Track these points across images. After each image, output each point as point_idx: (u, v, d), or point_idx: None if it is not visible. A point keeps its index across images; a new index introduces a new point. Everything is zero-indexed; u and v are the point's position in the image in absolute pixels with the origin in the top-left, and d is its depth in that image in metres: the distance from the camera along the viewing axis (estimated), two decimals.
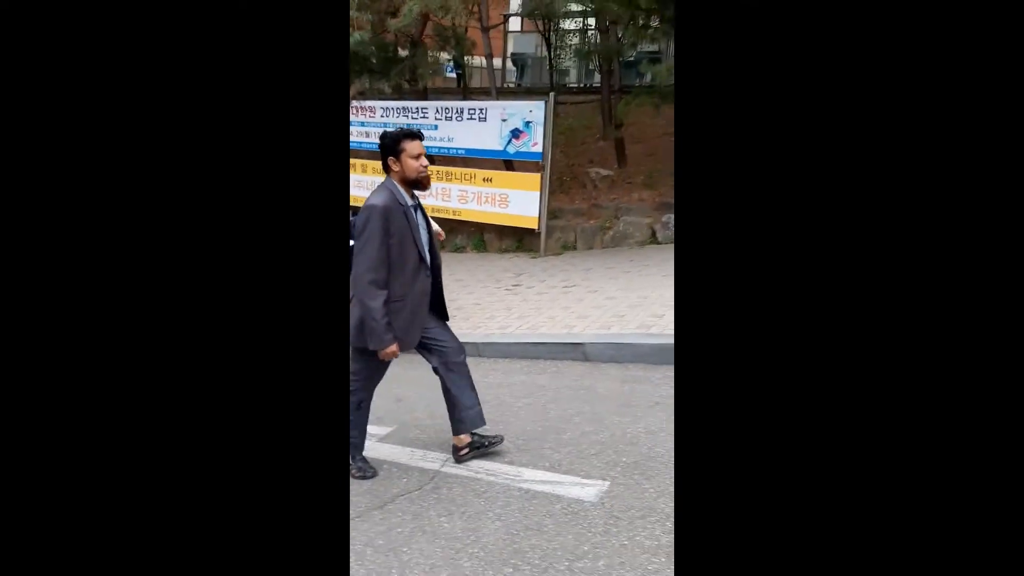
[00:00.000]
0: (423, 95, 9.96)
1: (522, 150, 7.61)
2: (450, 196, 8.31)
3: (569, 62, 15.27)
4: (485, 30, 9.10)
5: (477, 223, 8.38)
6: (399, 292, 2.68)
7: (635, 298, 5.05)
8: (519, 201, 7.72)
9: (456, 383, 2.87)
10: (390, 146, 2.71)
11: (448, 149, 8.39)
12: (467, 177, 8.20)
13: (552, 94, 7.50)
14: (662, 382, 3.56)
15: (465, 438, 2.92)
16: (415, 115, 8.71)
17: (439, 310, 2.90)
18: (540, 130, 7.35)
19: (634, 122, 9.99)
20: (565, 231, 8.03)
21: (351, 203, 5.77)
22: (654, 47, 11.90)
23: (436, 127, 8.37)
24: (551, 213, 8.26)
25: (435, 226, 3.08)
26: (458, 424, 2.90)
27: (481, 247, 8.67)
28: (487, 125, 7.89)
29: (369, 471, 2.89)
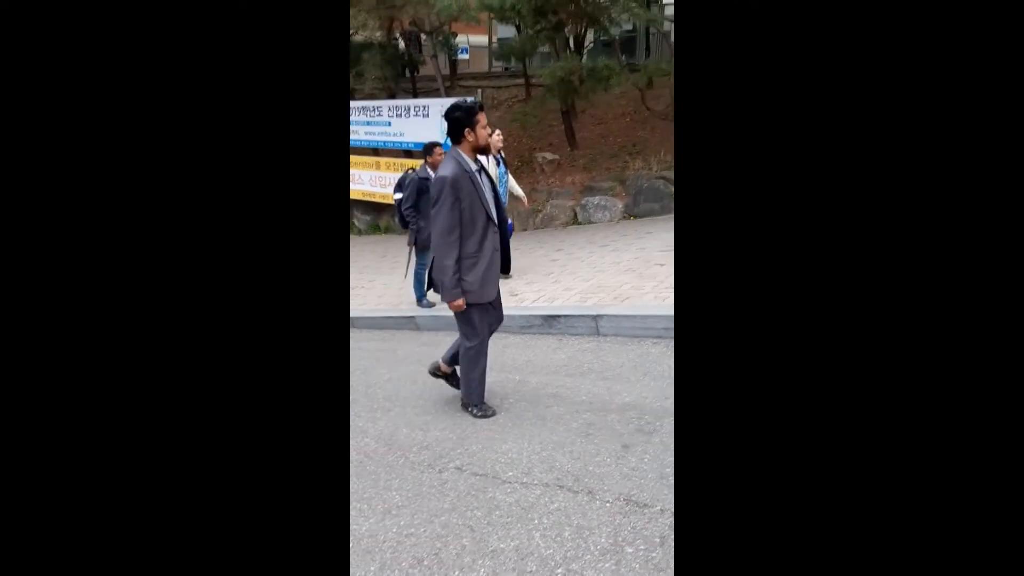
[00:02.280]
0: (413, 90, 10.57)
1: None
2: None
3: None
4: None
5: None
6: (472, 249, 2.98)
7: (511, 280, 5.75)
8: None
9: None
10: (464, 118, 2.97)
11: (400, 143, 9.17)
12: (416, 167, 8.98)
13: (480, 90, 8.14)
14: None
15: (446, 368, 3.45)
16: (372, 114, 9.50)
17: (504, 263, 3.23)
18: None
19: (597, 104, 10.50)
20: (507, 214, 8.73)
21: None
22: (629, 26, 12.25)
23: (390, 123, 9.16)
24: None
25: (519, 191, 3.69)
26: (450, 356, 3.41)
27: None
28: (430, 120, 8.62)
29: (490, 410, 3.22)
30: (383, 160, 9.69)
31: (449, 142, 3.06)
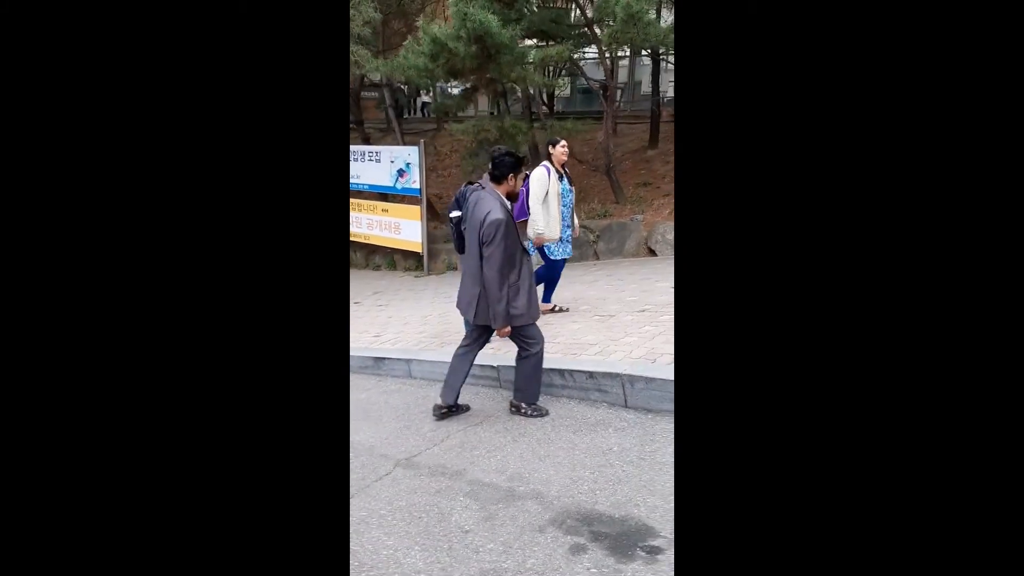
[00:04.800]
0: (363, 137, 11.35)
1: (407, 186, 9.08)
2: (360, 224, 9.83)
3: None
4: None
5: (384, 246, 9.88)
6: (515, 278, 3.44)
7: (418, 317, 6.43)
8: (408, 228, 9.20)
9: (466, 355, 3.67)
10: (512, 165, 3.46)
11: (357, 185, 9.91)
12: (371, 208, 9.70)
13: (422, 141, 8.91)
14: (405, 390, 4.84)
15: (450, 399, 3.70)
16: None
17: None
18: (417, 170, 8.81)
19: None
20: (450, 253, 9.45)
21: None
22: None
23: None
24: (445, 238, 9.73)
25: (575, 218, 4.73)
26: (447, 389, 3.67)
27: (392, 266, 10.17)
28: (381, 165, 9.40)
29: (543, 410, 3.58)
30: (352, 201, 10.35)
31: (488, 181, 3.51)
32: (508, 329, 3.44)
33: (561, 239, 5.02)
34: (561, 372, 3.81)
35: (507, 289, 3.38)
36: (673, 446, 2.94)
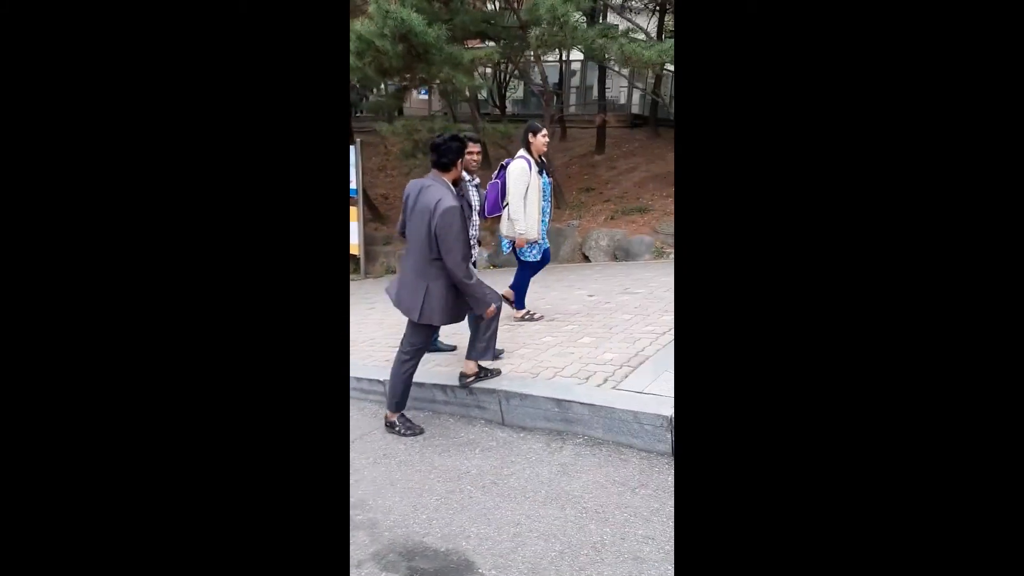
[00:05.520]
0: None
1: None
2: None
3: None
4: None
5: None
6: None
7: (352, 321, 6.23)
8: None
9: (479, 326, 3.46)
10: (459, 150, 3.19)
11: None
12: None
13: (359, 140, 8.70)
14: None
15: (472, 366, 3.52)
16: None
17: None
18: (353, 170, 8.58)
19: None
20: (389, 256, 9.24)
21: None
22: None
23: None
24: (384, 240, 9.52)
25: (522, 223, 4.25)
26: (471, 351, 3.49)
27: None
28: None
29: (417, 429, 3.37)
30: None
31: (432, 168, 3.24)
32: (494, 308, 3.26)
33: (538, 241, 4.51)
34: (443, 388, 3.64)
35: (474, 270, 3.13)
36: (531, 468, 2.83)
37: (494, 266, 8.13)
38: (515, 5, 7.10)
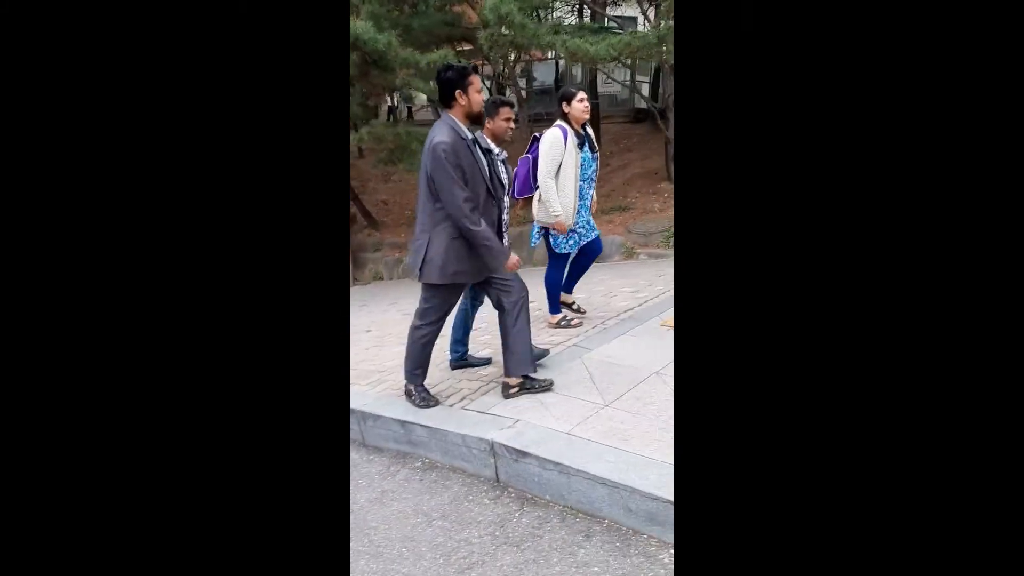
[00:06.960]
0: None
1: None
2: None
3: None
4: None
5: None
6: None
7: None
8: None
9: (507, 324, 2.95)
10: (456, 79, 2.68)
11: None
12: None
13: None
14: None
15: (515, 378, 3.01)
16: None
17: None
18: None
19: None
20: (377, 262, 9.30)
21: None
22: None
23: None
24: (375, 246, 9.58)
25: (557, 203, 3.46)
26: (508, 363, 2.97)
27: None
28: None
29: (432, 400, 3.05)
30: None
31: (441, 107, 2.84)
32: (516, 259, 2.88)
33: (574, 229, 3.75)
34: None
35: (481, 218, 2.67)
36: (353, 493, 2.74)
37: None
38: (474, 7, 6.99)
